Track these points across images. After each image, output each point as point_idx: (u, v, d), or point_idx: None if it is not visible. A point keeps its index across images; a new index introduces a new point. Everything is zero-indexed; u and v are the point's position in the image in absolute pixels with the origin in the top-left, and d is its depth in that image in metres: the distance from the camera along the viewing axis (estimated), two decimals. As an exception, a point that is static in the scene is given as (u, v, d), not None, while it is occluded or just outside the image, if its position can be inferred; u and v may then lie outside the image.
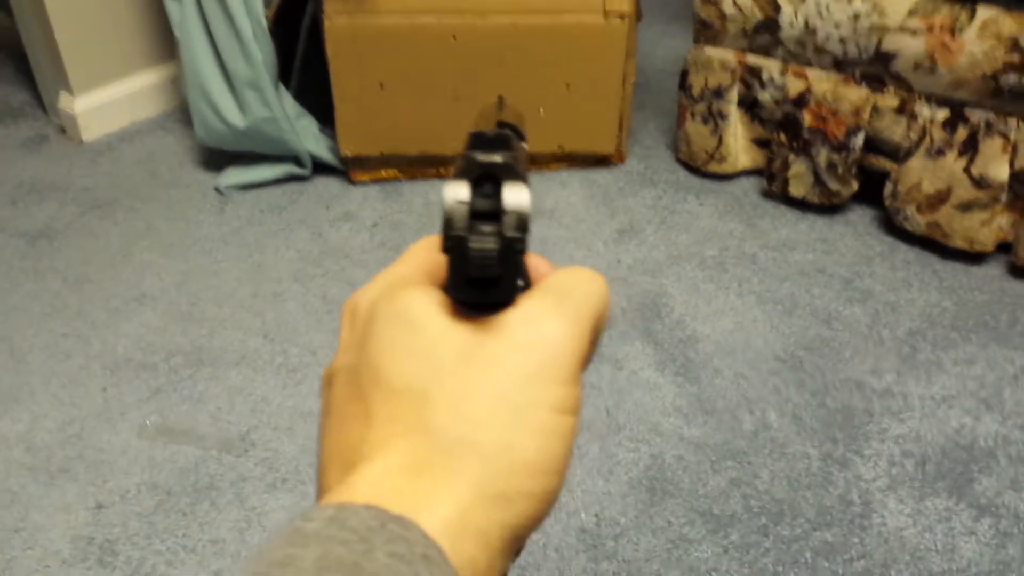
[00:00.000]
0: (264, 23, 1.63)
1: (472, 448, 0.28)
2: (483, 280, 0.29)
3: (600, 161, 1.84)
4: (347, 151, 1.76)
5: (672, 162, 1.86)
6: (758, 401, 1.37)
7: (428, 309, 0.30)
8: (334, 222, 1.74)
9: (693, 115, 1.74)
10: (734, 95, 1.69)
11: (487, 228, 0.29)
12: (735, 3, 1.58)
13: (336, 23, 1.60)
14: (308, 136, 1.79)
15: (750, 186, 1.79)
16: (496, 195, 0.29)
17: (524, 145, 0.38)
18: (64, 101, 1.93)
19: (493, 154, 0.30)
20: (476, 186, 0.29)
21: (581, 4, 1.61)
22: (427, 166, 1.81)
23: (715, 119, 1.72)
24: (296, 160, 1.81)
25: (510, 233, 0.29)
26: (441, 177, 1.83)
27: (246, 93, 1.69)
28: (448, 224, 0.29)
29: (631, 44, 1.67)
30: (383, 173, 1.82)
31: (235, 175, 1.82)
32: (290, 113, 1.75)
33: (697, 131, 1.74)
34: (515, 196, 0.29)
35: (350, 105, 1.70)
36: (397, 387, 0.29)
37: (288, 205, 1.78)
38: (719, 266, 1.61)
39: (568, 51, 1.65)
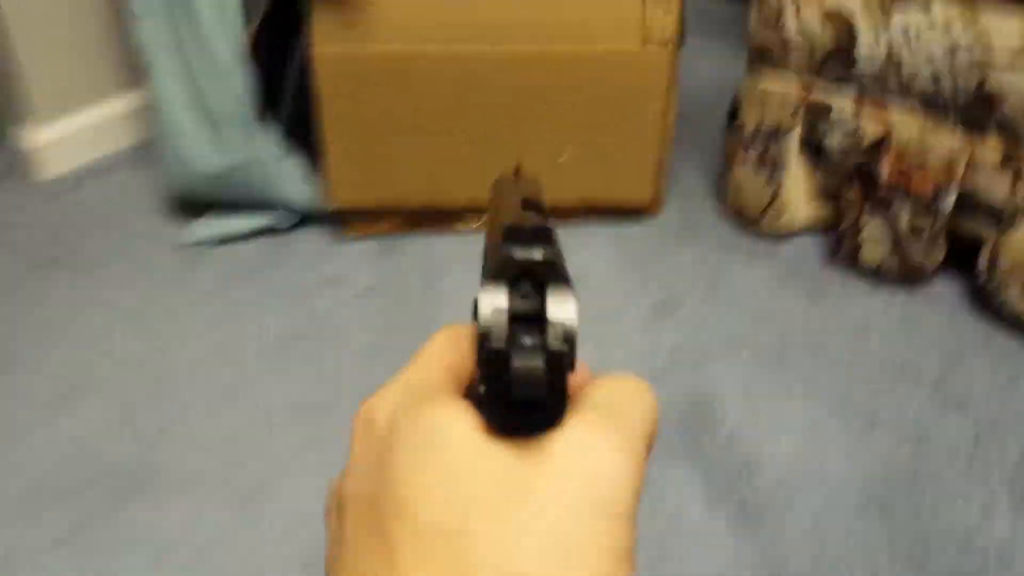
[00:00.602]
0: (243, 47, 1.38)
1: None
2: (526, 402, 0.25)
3: (632, 212, 1.57)
4: (338, 201, 1.50)
5: (716, 214, 1.59)
6: (840, 563, 1.08)
7: (460, 430, 0.26)
8: (320, 287, 1.48)
9: (744, 159, 1.47)
10: (795, 137, 1.42)
11: (529, 340, 0.26)
12: (801, 26, 1.32)
13: (325, 51, 1.34)
14: (294, 181, 1.53)
15: (811, 248, 1.51)
16: (536, 296, 0.26)
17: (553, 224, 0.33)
18: (22, 132, 1.69)
19: (532, 250, 0.26)
20: (512, 285, 0.26)
21: (615, 29, 1.35)
22: (433, 220, 1.55)
23: (771, 166, 1.45)
24: (279, 209, 1.55)
25: (556, 347, 0.25)
26: (448, 232, 1.57)
27: (223, 130, 1.44)
28: (485, 337, 0.26)
29: (673, 75, 1.41)
30: (381, 227, 1.56)
31: (208, 227, 1.56)
32: (273, 154, 1.50)
33: (749, 179, 1.48)
34: (561, 305, 0.26)
35: (341, 148, 1.44)
36: (427, 523, 0.25)
37: (266, 265, 1.53)
38: (778, 357, 1.33)
39: (599, 84, 1.39)
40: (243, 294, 1.47)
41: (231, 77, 1.38)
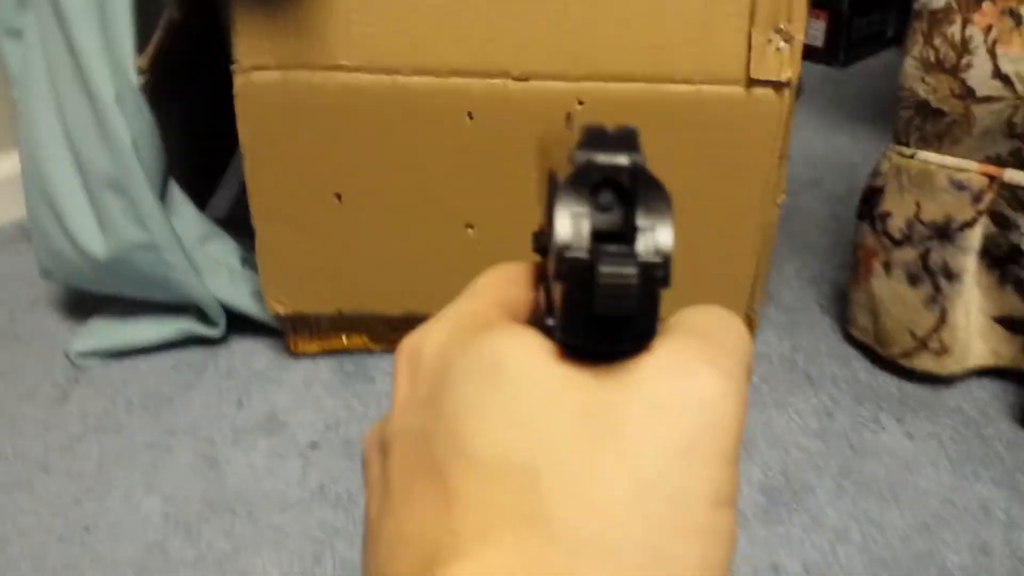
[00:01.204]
0: (135, 80, 0.91)
1: (607, 553, 0.20)
2: (612, 319, 0.22)
3: (715, 336, 1.07)
4: (277, 306, 1.01)
5: (838, 342, 1.08)
6: None
7: (530, 355, 0.22)
8: (244, 434, 0.98)
9: (889, 267, 0.97)
10: (975, 238, 0.92)
11: (616, 250, 0.22)
12: (996, 72, 0.83)
13: (253, 80, 0.87)
14: (219, 273, 1.05)
15: (991, 399, 1.00)
16: (619, 208, 0.23)
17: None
18: None
19: (617, 155, 0.23)
20: (592, 195, 0.23)
21: (700, 62, 0.86)
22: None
23: (935, 278, 0.94)
24: (200, 312, 1.07)
25: (648, 258, 0.22)
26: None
27: (107, 200, 0.96)
28: (565, 246, 0.22)
29: (786, 135, 0.92)
30: (343, 341, 1.06)
31: (96, 335, 1.08)
32: (187, 236, 1.02)
33: (897, 296, 0.97)
34: (653, 213, 0.22)
35: (280, 229, 0.96)
36: (491, 461, 0.21)
37: (175, 394, 1.03)
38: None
39: (675, 140, 0.90)
40: (131, 440, 0.98)
41: (115, 125, 0.90)
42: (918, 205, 0.93)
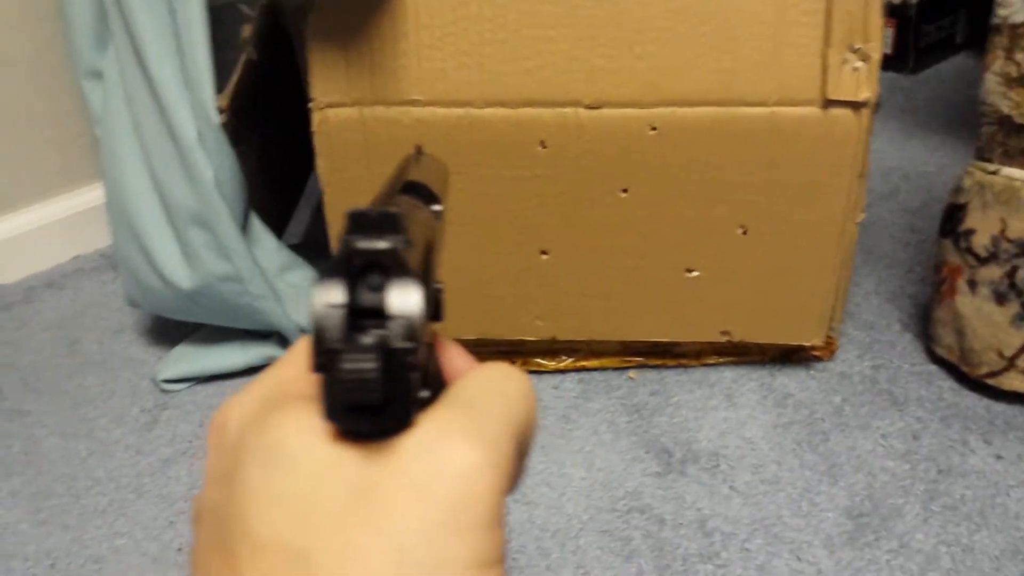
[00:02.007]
0: (216, 118, 0.93)
1: None
2: (361, 407, 0.23)
3: (792, 355, 1.06)
4: (356, 333, 1.03)
5: (921, 360, 1.06)
6: None
7: (303, 438, 0.24)
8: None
9: (975, 285, 0.95)
10: (1066, 255, 0.89)
11: (368, 339, 0.23)
12: (1087, 84, 0.80)
13: (330, 116, 0.89)
14: (299, 301, 1.07)
15: (1085, 419, 0.97)
16: (386, 287, 0.24)
17: (437, 208, 0.32)
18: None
19: (376, 239, 0.24)
20: (361, 277, 0.24)
21: (774, 84, 0.85)
22: (497, 355, 1.06)
23: (1022, 297, 0.92)
24: (281, 338, 1.09)
25: (398, 344, 0.23)
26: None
27: (191, 234, 0.99)
28: (318, 336, 0.23)
29: (865, 154, 0.90)
30: (420, 366, 1.08)
31: (182, 362, 1.11)
32: (269, 266, 1.04)
33: (983, 314, 0.95)
34: (403, 298, 0.24)
35: (358, 259, 0.97)
36: (267, 544, 0.23)
37: (257, 419, 1.06)
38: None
39: (751, 163, 0.90)
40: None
41: (197, 162, 0.93)
42: (1003, 222, 0.91)
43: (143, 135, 0.95)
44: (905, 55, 1.60)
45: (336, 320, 0.23)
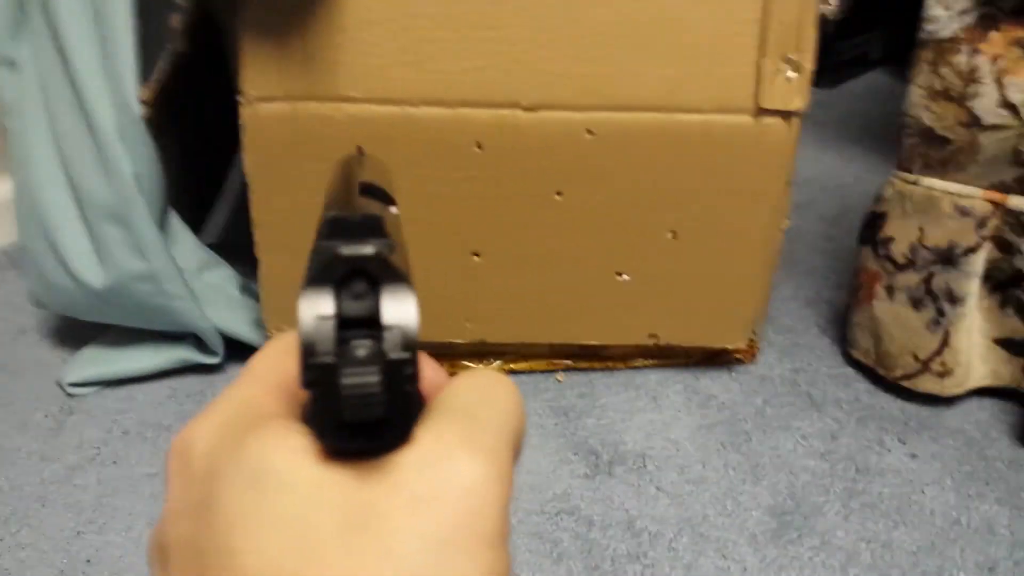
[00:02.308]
0: (137, 109, 0.89)
1: None
2: (362, 424, 0.21)
3: (716, 358, 1.08)
4: (279, 333, 1.00)
5: (839, 363, 1.09)
6: None
7: (292, 459, 0.22)
8: (245, 468, 0.96)
9: (892, 291, 0.98)
10: (979, 263, 0.93)
11: (363, 350, 0.22)
12: (1004, 101, 0.84)
13: (260, 111, 0.86)
14: (218, 301, 1.03)
15: (991, 419, 1.02)
16: (371, 295, 0.22)
17: (395, 210, 0.30)
18: None
19: (361, 244, 0.23)
20: (343, 285, 0.22)
21: (710, 92, 0.87)
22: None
23: (938, 302, 0.96)
24: (197, 340, 1.05)
25: (395, 355, 0.22)
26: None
27: (105, 230, 0.94)
28: (309, 350, 0.22)
29: (790, 161, 0.92)
30: (345, 368, 1.05)
31: (90, 364, 1.06)
32: (187, 265, 1.00)
33: (900, 319, 0.98)
34: (398, 307, 0.22)
35: (284, 258, 0.95)
36: (259, 574, 0.21)
37: (173, 423, 1.02)
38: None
39: (680, 171, 0.91)
40: (131, 472, 0.96)
41: (115, 156, 0.88)
42: (921, 230, 0.94)
43: (58, 127, 0.90)
44: (822, 70, 1.65)
45: (327, 333, 0.22)
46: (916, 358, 0.98)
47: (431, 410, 0.24)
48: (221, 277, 1.04)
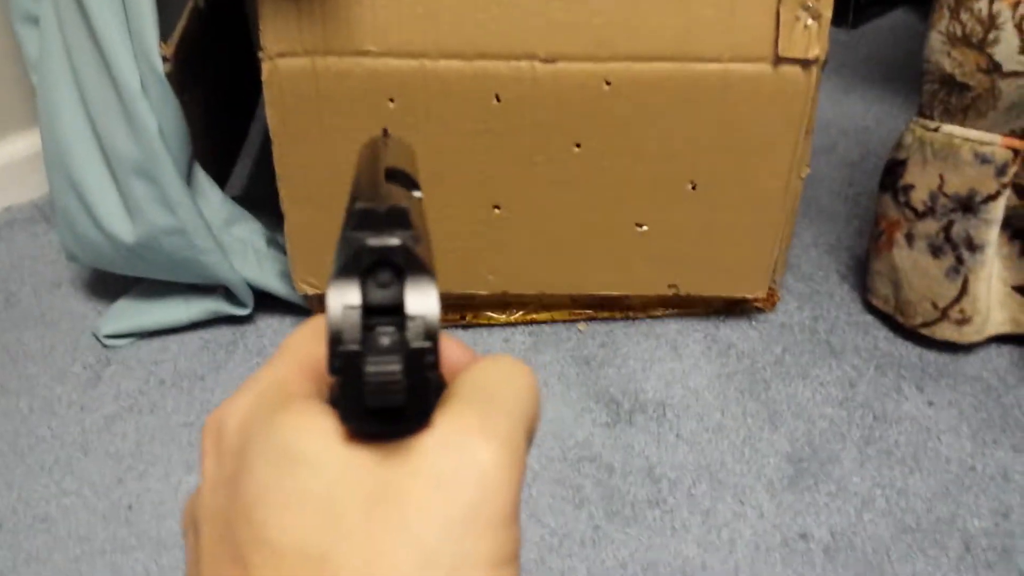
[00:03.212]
0: (160, 67, 0.90)
1: None
2: (385, 409, 0.23)
3: (735, 307, 1.09)
4: (306, 287, 1.02)
5: (858, 311, 1.10)
6: None
7: (319, 440, 0.23)
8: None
9: (912, 239, 0.98)
10: (998, 210, 0.93)
11: (386, 338, 0.23)
12: (1025, 45, 0.83)
13: (280, 66, 0.87)
14: (246, 254, 1.06)
15: (1010, 366, 1.02)
16: (396, 284, 0.23)
17: (418, 195, 0.30)
18: None
19: (387, 235, 0.24)
20: (368, 274, 0.23)
21: (731, 39, 0.86)
22: (448, 308, 1.07)
23: (957, 250, 0.96)
24: (227, 292, 1.08)
25: (417, 344, 0.23)
26: (471, 330, 1.08)
27: (134, 186, 0.96)
28: (335, 338, 0.23)
29: (812, 110, 0.92)
30: (370, 319, 1.08)
31: (124, 316, 1.09)
32: (214, 219, 1.02)
33: (919, 267, 0.99)
34: (421, 297, 0.23)
35: (308, 212, 0.96)
36: (286, 548, 0.22)
37: (207, 373, 1.05)
38: (1003, 558, 0.84)
39: (699, 120, 0.91)
40: (168, 420, 0.99)
41: (141, 112, 0.90)
42: (942, 178, 0.94)
43: (83, 84, 0.92)
44: (845, 10, 1.62)
45: (354, 321, 0.23)
46: (935, 306, 0.99)
47: (451, 394, 0.25)
48: (248, 230, 1.06)
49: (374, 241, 0.24)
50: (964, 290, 0.97)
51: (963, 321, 0.98)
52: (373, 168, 0.31)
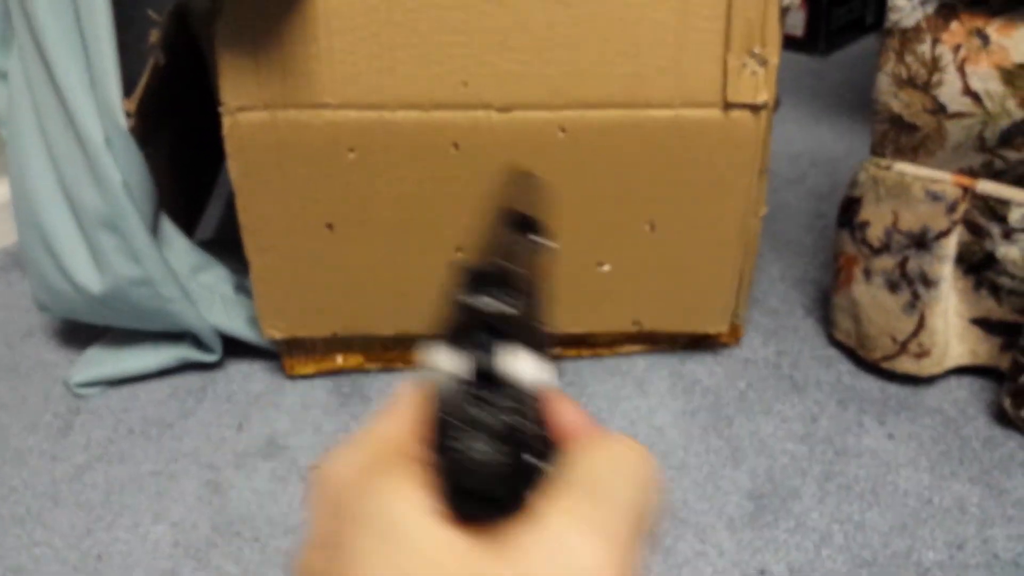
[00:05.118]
0: (124, 122, 0.92)
1: None
2: (479, 491, 0.22)
3: (700, 342, 1.10)
4: (273, 332, 1.03)
5: (822, 345, 1.11)
6: None
7: (418, 518, 0.23)
8: (246, 458, 1.00)
9: (869, 274, 1.00)
10: (951, 246, 0.95)
11: (491, 418, 0.21)
12: (967, 88, 0.85)
13: (241, 120, 0.88)
14: (213, 301, 1.07)
15: (970, 397, 1.03)
16: (501, 352, 0.22)
17: (547, 243, 0.29)
18: None
19: (497, 301, 0.23)
20: (475, 342, 0.23)
21: (677, 88, 0.88)
22: (411, 350, 1.08)
23: (913, 285, 0.97)
24: (196, 338, 1.09)
25: (517, 422, 0.22)
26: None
27: (100, 238, 0.98)
28: (441, 411, 0.22)
29: (765, 152, 0.94)
30: (338, 361, 1.09)
31: (95, 365, 1.10)
32: (181, 267, 1.04)
33: (877, 302, 1.00)
34: (531, 374, 0.22)
35: (273, 259, 0.98)
36: None
37: (176, 421, 1.06)
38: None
39: (657, 164, 0.92)
40: (135, 469, 1.00)
41: (104, 165, 0.92)
42: (895, 215, 0.96)
43: (50, 138, 0.94)
44: (816, 38, 1.64)
45: (459, 396, 0.22)
46: (894, 340, 1.00)
47: (561, 480, 0.24)
48: (215, 277, 1.07)
49: (484, 306, 0.23)
50: (921, 324, 0.98)
51: (921, 354, 0.99)
52: (499, 216, 0.30)
